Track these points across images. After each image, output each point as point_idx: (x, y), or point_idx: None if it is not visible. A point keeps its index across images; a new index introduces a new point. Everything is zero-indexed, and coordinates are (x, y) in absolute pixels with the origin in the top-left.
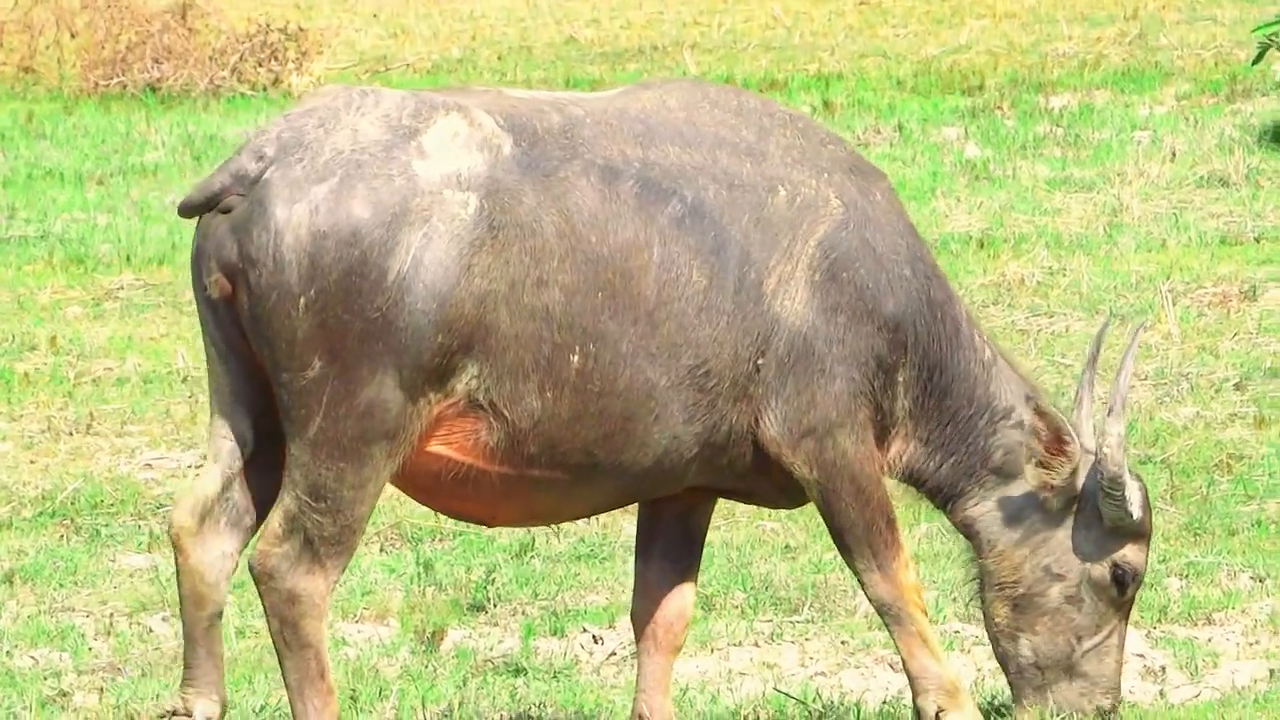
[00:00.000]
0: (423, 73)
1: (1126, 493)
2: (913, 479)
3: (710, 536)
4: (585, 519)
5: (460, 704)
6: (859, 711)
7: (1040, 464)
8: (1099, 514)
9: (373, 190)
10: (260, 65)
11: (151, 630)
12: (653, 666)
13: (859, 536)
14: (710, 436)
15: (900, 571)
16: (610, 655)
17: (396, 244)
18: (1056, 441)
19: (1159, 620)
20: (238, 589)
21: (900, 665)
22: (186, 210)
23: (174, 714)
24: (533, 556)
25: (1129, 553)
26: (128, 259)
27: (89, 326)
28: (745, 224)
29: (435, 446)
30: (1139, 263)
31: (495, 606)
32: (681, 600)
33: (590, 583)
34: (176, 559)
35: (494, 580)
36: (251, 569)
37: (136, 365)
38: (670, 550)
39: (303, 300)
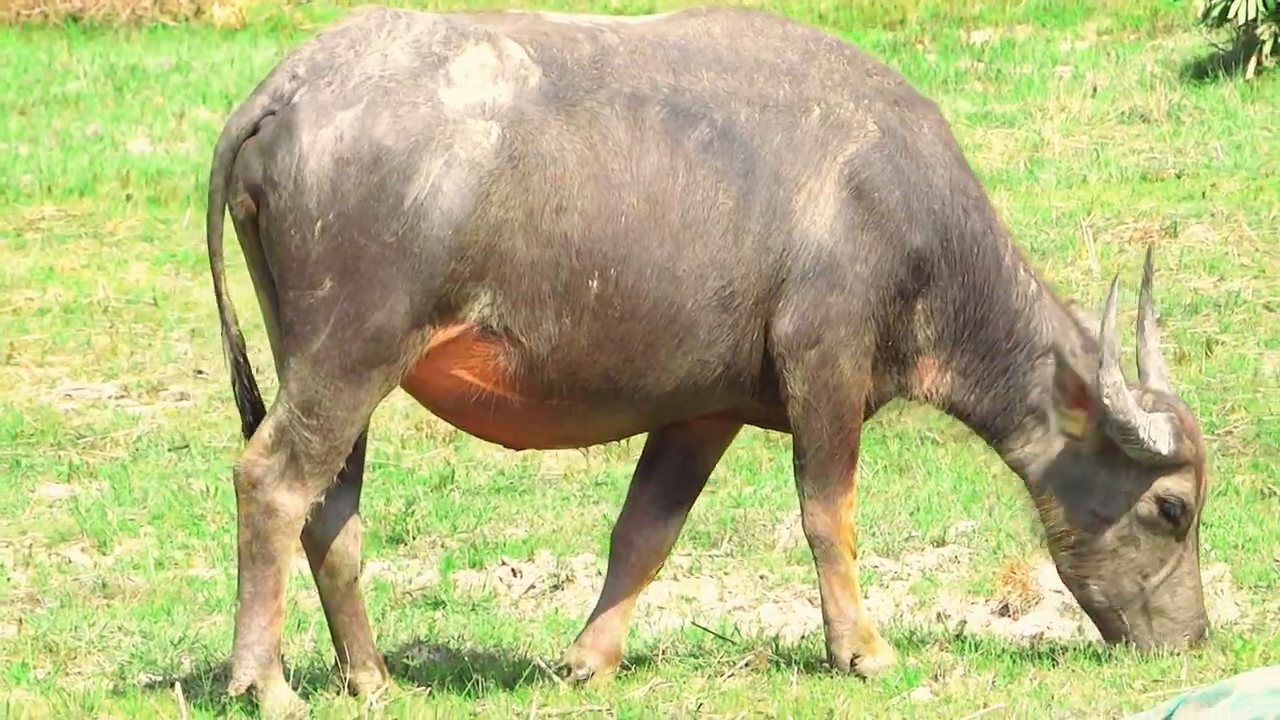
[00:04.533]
0: (345, 4)
1: (1143, 433)
2: (955, 411)
3: (629, 469)
4: (614, 441)
5: (379, 636)
6: (777, 645)
7: (1064, 414)
8: None
9: (397, 117)
10: None
11: (70, 561)
12: (617, 586)
13: (820, 461)
14: (733, 356)
15: (844, 509)
16: (529, 589)
17: (416, 170)
18: (1079, 393)
19: None
20: (155, 520)
21: (818, 600)
22: (233, 137)
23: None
24: (452, 489)
25: (1171, 484)
26: (49, 190)
27: (9, 257)
28: (777, 144)
29: (457, 370)
30: (1060, 198)
31: (414, 539)
32: (665, 533)
33: (509, 516)
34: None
35: (413, 513)
36: (235, 475)
37: (57, 296)
38: (669, 481)
39: (320, 223)
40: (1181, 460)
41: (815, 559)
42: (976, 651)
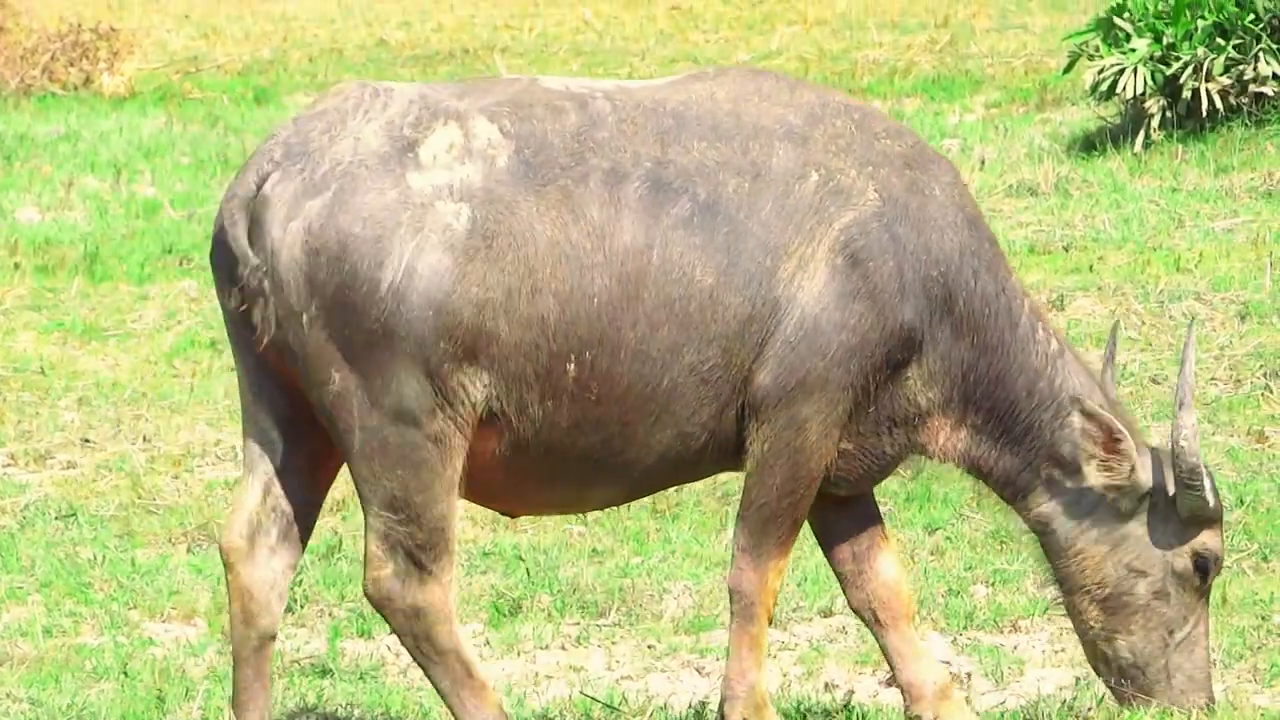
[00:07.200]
0: (233, 74)
1: (1205, 480)
2: (975, 469)
3: (516, 540)
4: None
5: None
6: (665, 715)
7: (1100, 465)
8: (1172, 505)
9: (364, 204)
10: (71, 65)
11: None
12: (894, 640)
13: (763, 519)
14: (718, 423)
15: (772, 572)
16: None
17: (388, 255)
18: (1110, 440)
19: (965, 627)
20: (43, 588)
21: (706, 670)
22: (239, 199)
23: None
24: (340, 558)
25: (1208, 539)
26: None
27: None
28: (766, 213)
29: None
30: None
31: (302, 607)
32: (887, 573)
33: None
34: (227, 579)
35: (301, 581)
36: (369, 598)
37: None
38: (850, 535)
39: (305, 316)
40: (1218, 515)
41: (732, 613)
42: None
